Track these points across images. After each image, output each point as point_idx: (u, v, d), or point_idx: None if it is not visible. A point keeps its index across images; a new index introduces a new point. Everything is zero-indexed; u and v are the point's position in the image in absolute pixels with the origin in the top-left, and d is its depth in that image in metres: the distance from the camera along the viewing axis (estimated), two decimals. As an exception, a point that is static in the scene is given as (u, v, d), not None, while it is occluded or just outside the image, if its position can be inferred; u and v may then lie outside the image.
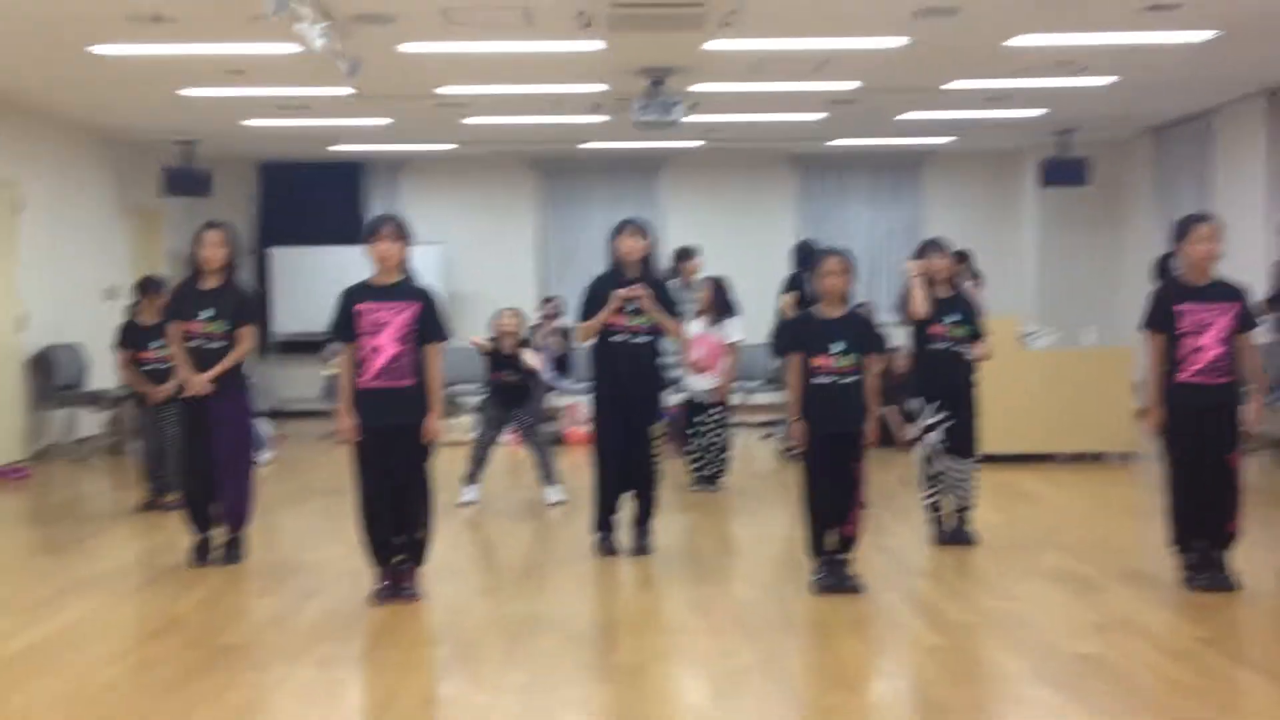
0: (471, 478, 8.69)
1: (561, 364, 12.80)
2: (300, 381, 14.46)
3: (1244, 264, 9.36)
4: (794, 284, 10.39)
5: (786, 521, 7.55)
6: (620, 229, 6.94)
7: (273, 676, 4.88)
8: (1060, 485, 9.31)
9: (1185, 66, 10.11)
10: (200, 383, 6.66)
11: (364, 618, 5.66)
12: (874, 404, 5.99)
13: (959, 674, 4.83)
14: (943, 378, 6.96)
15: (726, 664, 4.91)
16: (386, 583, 5.93)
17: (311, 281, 13.86)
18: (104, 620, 5.77)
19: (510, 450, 10.50)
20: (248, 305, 6.97)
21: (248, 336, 6.84)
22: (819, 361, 5.92)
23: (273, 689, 4.74)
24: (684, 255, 10.52)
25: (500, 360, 8.67)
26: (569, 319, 13.02)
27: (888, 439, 11.44)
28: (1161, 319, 5.90)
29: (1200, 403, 5.82)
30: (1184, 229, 5.89)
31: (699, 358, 9.16)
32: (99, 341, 10.66)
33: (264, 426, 10.77)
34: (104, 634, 5.51)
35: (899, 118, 12.73)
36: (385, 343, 5.80)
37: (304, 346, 14.14)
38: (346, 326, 5.85)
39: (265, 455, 10.59)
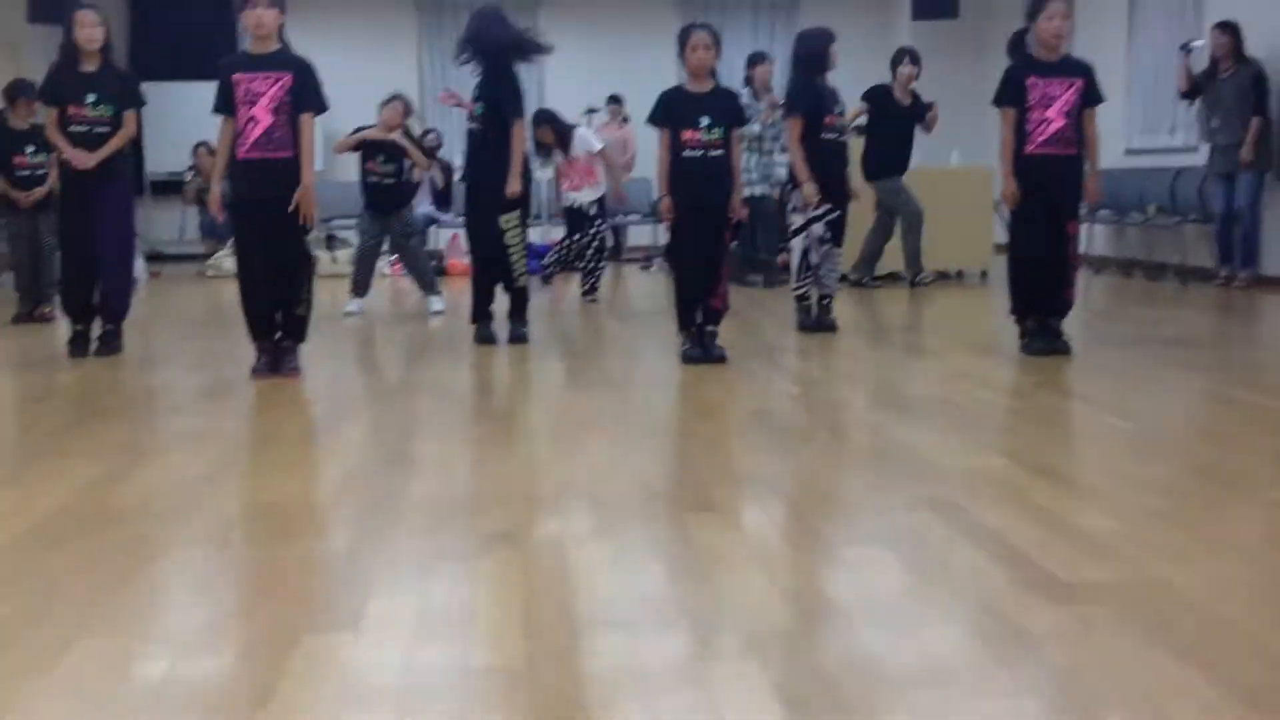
0: (356, 289, 8.75)
1: (443, 198, 12.84)
2: (173, 224, 14.27)
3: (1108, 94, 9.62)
4: None
5: (663, 326, 7.54)
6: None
7: (157, 423, 5.03)
8: (918, 295, 9.67)
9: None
10: (87, 160, 6.41)
11: (246, 386, 5.75)
12: (739, 179, 6.19)
13: (813, 408, 5.18)
14: (830, 169, 7.08)
15: (593, 408, 5.16)
16: (267, 358, 5.94)
17: (184, 119, 13.48)
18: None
19: (393, 279, 10.62)
20: (132, 88, 6.73)
21: (134, 121, 6.64)
22: (687, 136, 6.06)
23: (158, 431, 4.89)
24: (755, 60, 10.54)
25: (371, 149, 8.57)
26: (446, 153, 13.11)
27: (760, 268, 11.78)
28: (1013, 94, 6.15)
29: (1044, 173, 6.08)
30: (1036, 6, 6.09)
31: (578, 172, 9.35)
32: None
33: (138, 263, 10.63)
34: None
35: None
36: (261, 113, 5.72)
37: (177, 188, 13.89)
38: (227, 100, 5.75)
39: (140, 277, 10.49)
